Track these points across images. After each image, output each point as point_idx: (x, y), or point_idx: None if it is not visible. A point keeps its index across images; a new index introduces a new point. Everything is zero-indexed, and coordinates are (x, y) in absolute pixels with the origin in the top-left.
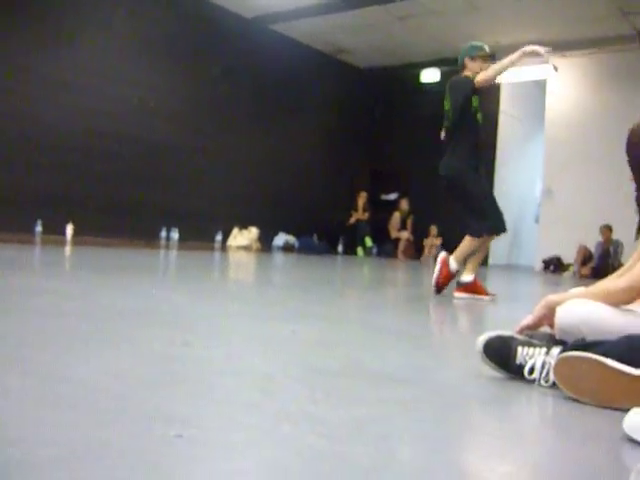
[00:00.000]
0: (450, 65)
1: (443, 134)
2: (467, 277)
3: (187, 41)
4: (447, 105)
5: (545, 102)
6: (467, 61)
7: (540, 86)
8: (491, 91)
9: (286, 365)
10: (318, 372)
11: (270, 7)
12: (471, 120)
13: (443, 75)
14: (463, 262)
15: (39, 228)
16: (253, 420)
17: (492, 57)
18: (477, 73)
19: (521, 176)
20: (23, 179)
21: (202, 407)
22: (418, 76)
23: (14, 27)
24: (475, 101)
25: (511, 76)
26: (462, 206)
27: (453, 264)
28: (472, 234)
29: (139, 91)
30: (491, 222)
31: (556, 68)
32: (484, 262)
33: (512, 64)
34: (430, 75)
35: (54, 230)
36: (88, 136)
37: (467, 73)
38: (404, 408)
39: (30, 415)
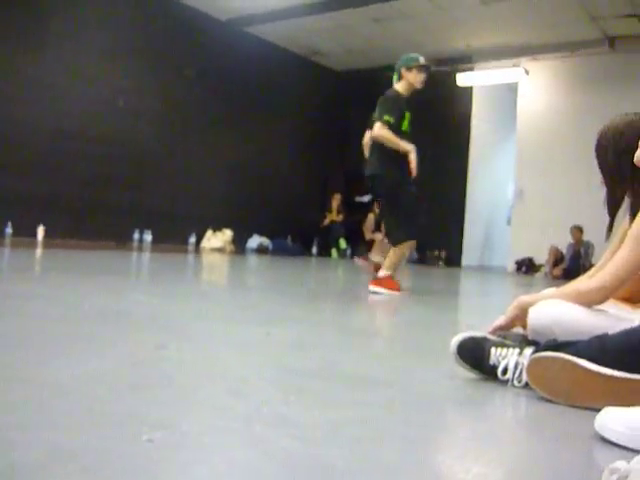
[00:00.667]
0: None
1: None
2: (382, 272)
3: (161, 43)
4: (375, 115)
5: (517, 105)
6: (404, 71)
7: (512, 89)
8: (463, 94)
9: (260, 367)
10: (292, 374)
11: (244, 9)
12: (398, 131)
13: None
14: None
15: (9, 230)
16: (226, 423)
17: (427, 68)
18: (412, 83)
19: (493, 178)
20: None
21: (175, 410)
22: (391, 79)
23: None
24: (407, 117)
25: (483, 79)
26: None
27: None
28: (394, 244)
29: (112, 92)
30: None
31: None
32: (458, 263)
33: (398, 148)
34: None
35: (25, 232)
36: (59, 136)
37: (402, 83)
38: (379, 410)
39: (2, 418)
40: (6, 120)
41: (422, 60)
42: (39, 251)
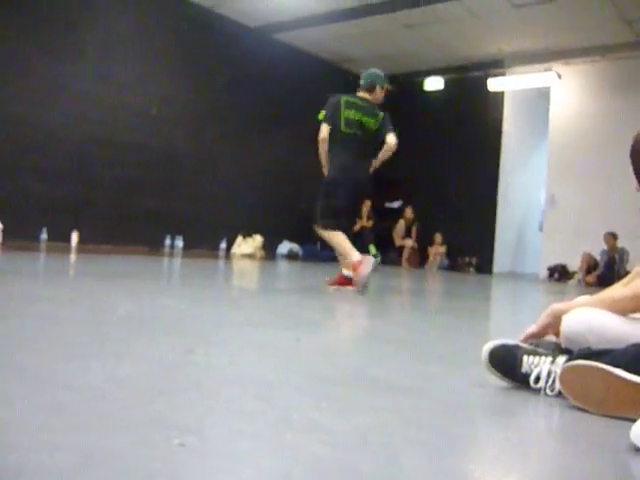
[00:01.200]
0: (453, 73)
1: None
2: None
3: (193, 51)
4: (370, 122)
5: (549, 110)
6: (379, 89)
7: (543, 94)
8: (494, 99)
9: (289, 373)
10: (321, 380)
11: (274, 17)
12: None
13: (447, 83)
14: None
15: (44, 235)
16: (255, 428)
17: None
18: (379, 99)
19: (525, 184)
20: (29, 186)
21: (204, 415)
22: (422, 84)
23: (27, 37)
24: None
25: (515, 84)
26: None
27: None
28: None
29: (144, 99)
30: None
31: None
32: (489, 270)
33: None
34: (434, 83)
35: (59, 237)
36: (93, 144)
37: (370, 97)
38: (408, 417)
39: (30, 421)
40: (42, 128)
41: None
42: (72, 256)
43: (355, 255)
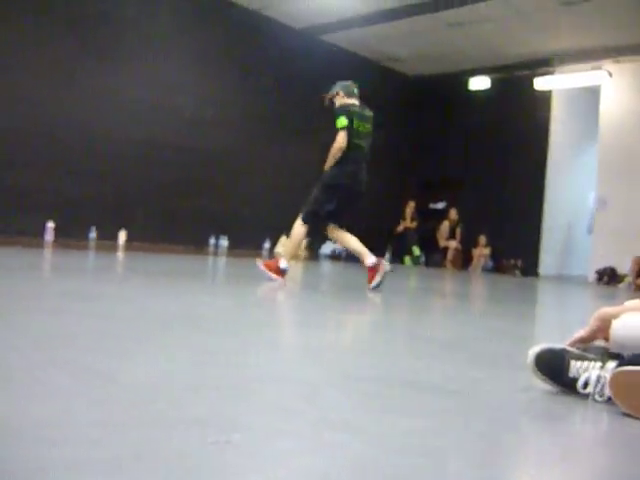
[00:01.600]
0: (499, 72)
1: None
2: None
3: (239, 53)
4: (370, 128)
5: (599, 109)
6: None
7: (593, 92)
8: (542, 99)
9: (330, 373)
10: (362, 381)
11: (319, 18)
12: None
13: (493, 82)
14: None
15: (93, 234)
16: (295, 427)
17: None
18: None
19: (573, 185)
20: (79, 187)
21: (245, 413)
22: (467, 84)
23: (76, 41)
24: None
25: (563, 83)
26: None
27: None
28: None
29: (191, 102)
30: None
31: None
32: (535, 273)
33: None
34: (479, 83)
35: (107, 236)
36: (141, 145)
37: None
38: (450, 420)
39: (78, 417)
40: (92, 131)
41: None
42: (120, 254)
43: (284, 262)
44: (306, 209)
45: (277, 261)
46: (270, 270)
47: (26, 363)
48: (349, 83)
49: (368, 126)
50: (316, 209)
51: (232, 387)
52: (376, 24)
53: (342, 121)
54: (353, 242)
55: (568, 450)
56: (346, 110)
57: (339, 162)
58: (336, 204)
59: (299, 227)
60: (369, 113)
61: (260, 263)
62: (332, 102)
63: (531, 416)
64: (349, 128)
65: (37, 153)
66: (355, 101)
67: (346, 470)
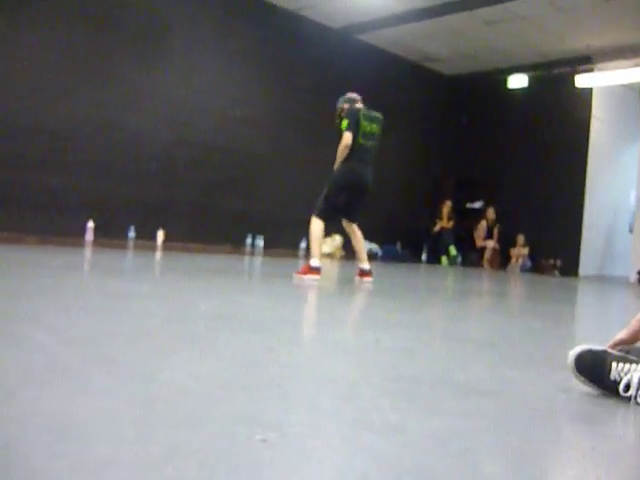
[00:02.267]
0: (538, 70)
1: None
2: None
3: (274, 53)
4: (377, 129)
5: None
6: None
7: (635, 90)
8: (582, 96)
9: (368, 373)
10: (401, 381)
11: (356, 17)
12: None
13: (531, 81)
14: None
15: (132, 233)
16: (334, 427)
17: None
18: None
19: (614, 183)
20: (118, 187)
21: (285, 413)
22: (505, 82)
23: (110, 43)
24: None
25: (604, 80)
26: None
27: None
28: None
29: (227, 102)
30: None
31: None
32: (574, 273)
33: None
34: (517, 81)
35: (146, 235)
36: (178, 146)
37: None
38: (489, 421)
39: (121, 414)
40: (130, 132)
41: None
42: (159, 254)
43: (315, 261)
44: (317, 206)
45: (308, 264)
46: (305, 274)
47: (67, 361)
48: (354, 95)
49: (375, 127)
50: (328, 206)
51: (269, 386)
52: (412, 23)
53: (346, 123)
54: (357, 242)
55: (608, 453)
56: (352, 113)
57: (346, 160)
58: (344, 200)
59: (315, 223)
60: (377, 115)
61: (295, 275)
62: (341, 117)
63: (570, 418)
64: (355, 129)
65: (78, 155)
66: (360, 105)
67: (384, 471)
